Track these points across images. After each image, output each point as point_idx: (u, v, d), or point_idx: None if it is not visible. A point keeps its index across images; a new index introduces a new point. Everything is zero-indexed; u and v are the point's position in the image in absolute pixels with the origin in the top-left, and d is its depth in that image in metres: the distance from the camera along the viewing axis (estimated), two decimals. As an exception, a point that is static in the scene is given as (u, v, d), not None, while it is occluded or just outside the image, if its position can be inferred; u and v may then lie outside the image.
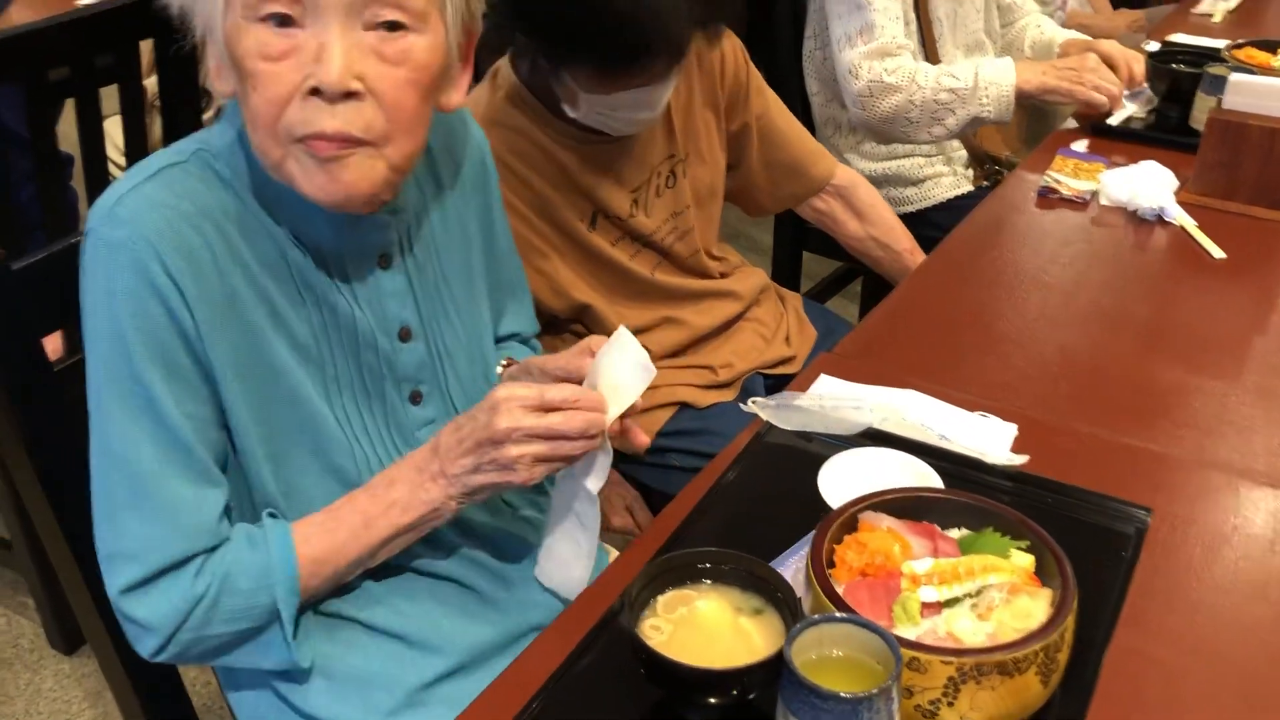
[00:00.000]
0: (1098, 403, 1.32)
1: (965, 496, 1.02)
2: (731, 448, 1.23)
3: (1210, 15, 2.69)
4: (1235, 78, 1.76)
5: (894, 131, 2.07)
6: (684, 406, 1.61)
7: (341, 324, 1.03)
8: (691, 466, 1.54)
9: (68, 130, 1.88)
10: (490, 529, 1.15)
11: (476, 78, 1.13)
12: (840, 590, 0.91)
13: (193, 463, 0.95)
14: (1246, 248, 1.65)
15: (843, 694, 0.76)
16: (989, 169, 2.33)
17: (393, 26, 0.91)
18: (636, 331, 1.04)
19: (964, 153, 2.33)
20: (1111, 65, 2.08)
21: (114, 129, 2.03)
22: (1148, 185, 1.75)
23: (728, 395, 1.63)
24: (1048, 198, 1.81)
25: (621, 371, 1.01)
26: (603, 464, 1.04)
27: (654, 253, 1.61)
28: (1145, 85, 2.09)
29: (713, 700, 0.87)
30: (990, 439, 1.22)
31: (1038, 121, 2.46)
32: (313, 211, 0.99)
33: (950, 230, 1.75)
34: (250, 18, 0.89)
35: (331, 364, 1.04)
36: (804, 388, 1.32)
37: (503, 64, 1.51)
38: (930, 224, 2.15)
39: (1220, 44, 2.18)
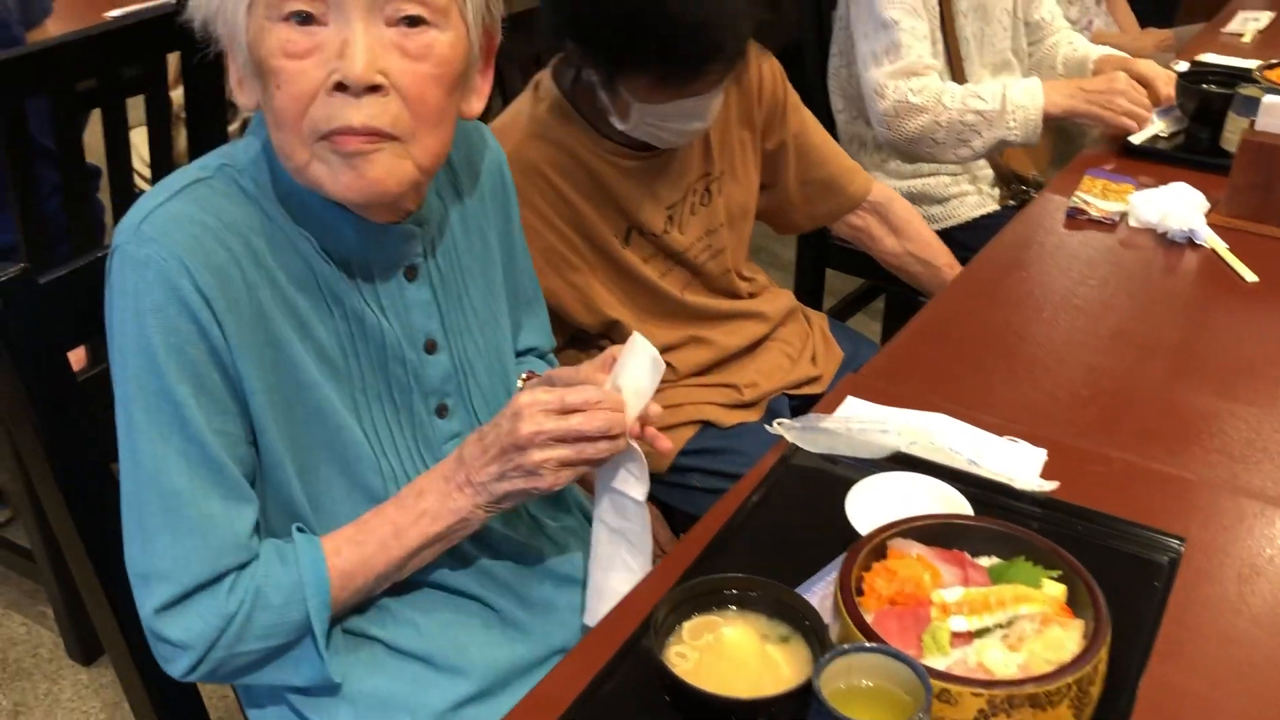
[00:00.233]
0: (1128, 428, 1.30)
1: (996, 524, 1.00)
2: (757, 470, 1.21)
3: (1240, 34, 2.67)
4: (1269, 100, 1.74)
5: (920, 151, 2.06)
6: (707, 425, 1.60)
7: (369, 336, 1.03)
8: (713, 487, 1.53)
9: (92, 142, 1.88)
10: (514, 545, 1.14)
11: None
12: (869, 619, 0.89)
13: (223, 479, 0.95)
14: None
15: (873, 727, 0.75)
16: (1015, 189, 2.31)
17: (414, 22, 0.91)
18: (663, 349, 1.03)
19: (990, 172, 2.31)
20: (1145, 84, 2.06)
21: (138, 140, 2.04)
22: (1178, 207, 1.73)
23: (752, 415, 1.62)
24: (1076, 219, 1.80)
25: (638, 374, 1.01)
26: (639, 470, 1.04)
27: (685, 271, 1.60)
28: (1175, 104, 2.07)
29: (739, 729, 0.85)
30: (1019, 464, 1.21)
31: (1065, 142, 2.45)
32: (340, 222, 0.98)
33: (975, 249, 1.74)
34: (273, 17, 0.89)
35: (360, 377, 1.03)
36: (830, 410, 1.31)
37: (544, 76, 1.50)
38: (954, 243, 2.13)
39: (1251, 64, 2.16)
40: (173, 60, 2.04)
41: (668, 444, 1.06)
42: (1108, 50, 2.31)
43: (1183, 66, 2.22)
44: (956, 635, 0.90)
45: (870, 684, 0.82)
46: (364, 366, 1.03)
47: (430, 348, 1.07)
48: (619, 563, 1.08)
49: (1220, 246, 1.68)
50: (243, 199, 0.97)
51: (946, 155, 2.05)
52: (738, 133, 1.60)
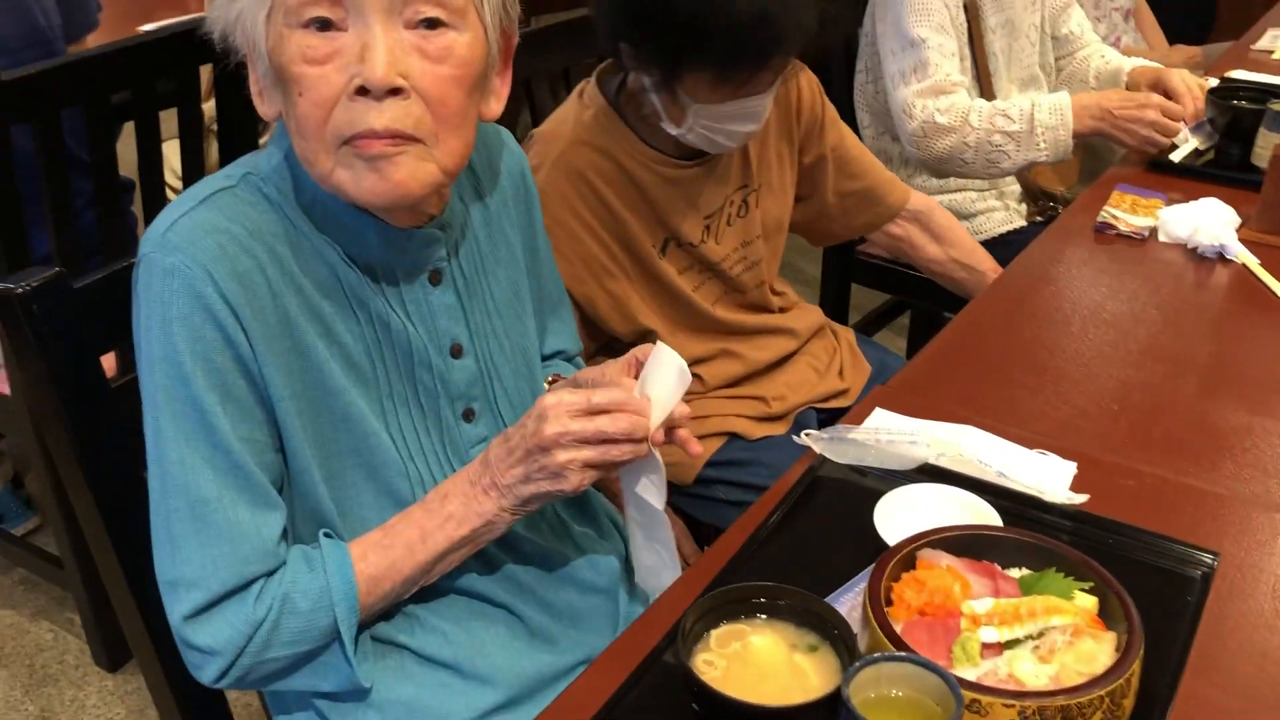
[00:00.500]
0: (1158, 442, 1.29)
1: (1027, 535, 0.99)
2: (783, 481, 1.21)
3: (1270, 51, 2.66)
4: (1300, 115, 1.73)
5: (950, 170, 2.06)
6: (734, 437, 1.59)
7: (395, 341, 1.03)
8: (739, 500, 1.52)
9: (124, 153, 1.90)
10: (540, 548, 1.14)
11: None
12: (898, 629, 0.89)
13: (251, 486, 0.95)
14: (1312, 287, 1.62)
15: (904, 736, 0.74)
16: (1043, 204, 2.30)
17: (433, 24, 0.92)
18: (693, 362, 1.04)
19: (1017, 188, 2.30)
20: (1176, 98, 2.05)
21: (170, 152, 2.05)
22: (1208, 222, 1.72)
23: (779, 428, 1.61)
24: (1105, 233, 1.79)
25: (664, 383, 1.01)
26: (659, 480, 1.04)
27: (719, 283, 1.61)
28: (1207, 120, 2.06)
29: (767, 738, 0.85)
30: (1049, 477, 1.20)
31: (1094, 159, 2.43)
32: (363, 227, 0.99)
33: (1002, 265, 1.73)
34: (293, 25, 0.90)
35: (386, 383, 1.04)
36: (858, 422, 1.30)
37: (589, 84, 1.51)
38: (982, 258, 2.13)
39: (1282, 80, 2.15)
40: (205, 73, 2.06)
41: (698, 448, 1.06)
42: (1140, 62, 2.30)
43: (1212, 83, 2.21)
44: (986, 646, 0.89)
45: (900, 693, 0.81)
46: (390, 372, 1.04)
47: (456, 352, 1.08)
48: (650, 547, 1.11)
49: (1252, 262, 1.67)
50: (267, 207, 0.98)
51: (977, 174, 2.05)
52: (776, 146, 1.61)
